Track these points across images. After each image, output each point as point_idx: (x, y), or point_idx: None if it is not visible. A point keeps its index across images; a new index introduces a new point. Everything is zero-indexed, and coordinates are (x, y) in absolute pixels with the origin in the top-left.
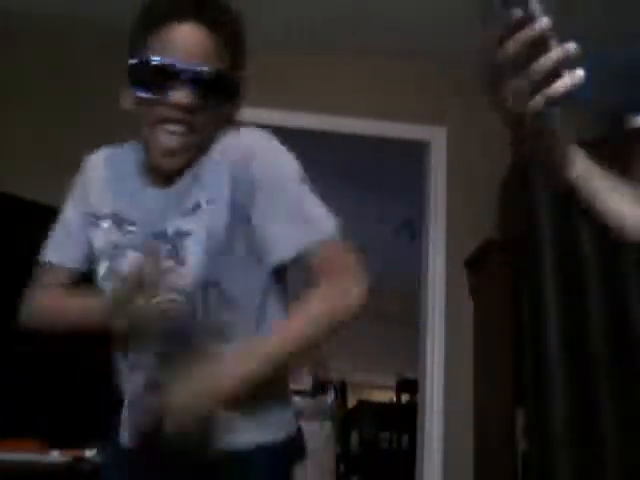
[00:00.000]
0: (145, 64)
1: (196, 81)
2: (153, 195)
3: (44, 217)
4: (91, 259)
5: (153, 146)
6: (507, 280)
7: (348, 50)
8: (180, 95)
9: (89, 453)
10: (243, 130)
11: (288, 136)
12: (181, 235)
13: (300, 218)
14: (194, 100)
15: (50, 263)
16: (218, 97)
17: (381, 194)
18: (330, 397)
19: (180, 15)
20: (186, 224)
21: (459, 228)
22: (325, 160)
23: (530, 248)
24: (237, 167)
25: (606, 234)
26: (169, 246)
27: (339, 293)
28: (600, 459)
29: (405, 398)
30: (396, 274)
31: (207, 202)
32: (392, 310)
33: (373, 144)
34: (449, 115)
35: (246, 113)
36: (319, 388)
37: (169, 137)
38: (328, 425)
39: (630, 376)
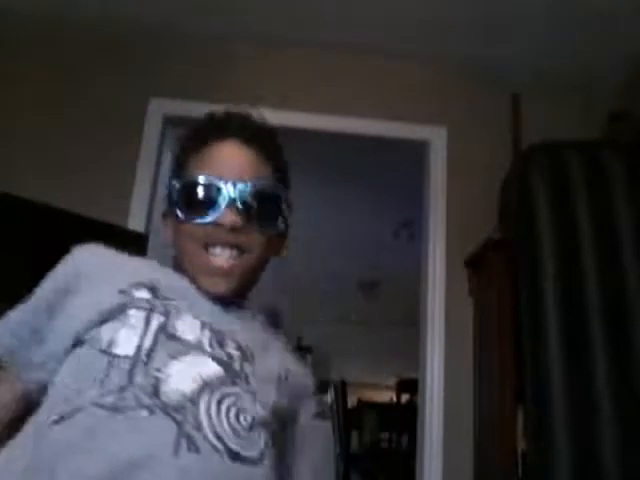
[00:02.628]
0: (188, 186)
1: (241, 198)
2: (207, 302)
3: (44, 217)
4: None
5: (201, 268)
6: (507, 280)
7: (348, 50)
8: (227, 215)
9: None
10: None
11: (288, 136)
12: (245, 353)
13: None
14: (241, 219)
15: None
16: (264, 214)
17: (381, 194)
18: (330, 397)
19: (221, 134)
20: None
21: (459, 228)
22: (324, 160)
23: (530, 248)
24: (296, 371)
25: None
26: (234, 357)
27: None
28: (600, 459)
29: (405, 398)
30: (396, 274)
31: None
32: (392, 310)
33: (373, 144)
34: (449, 115)
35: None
36: (319, 388)
37: (219, 258)
38: (328, 425)
39: (630, 375)
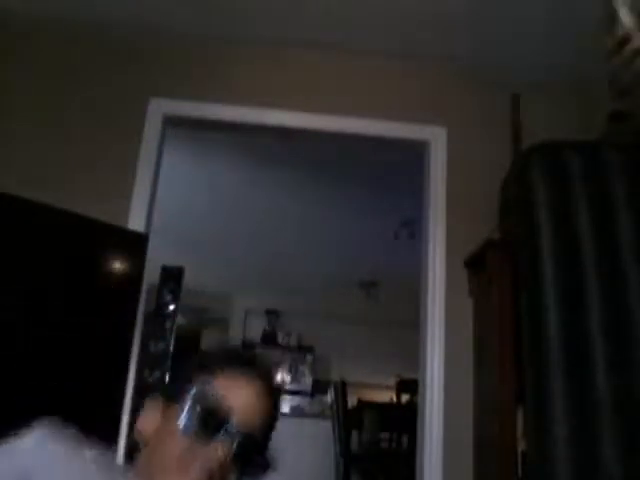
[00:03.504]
0: (208, 397)
1: (240, 443)
2: None
3: (44, 217)
4: None
5: (165, 469)
6: (507, 280)
7: (348, 50)
8: (219, 449)
9: None
10: None
11: (288, 136)
12: None
13: None
14: (229, 461)
15: None
16: (249, 466)
17: (381, 194)
18: (330, 397)
19: (252, 375)
20: None
21: (459, 228)
22: (325, 160)
23: (530, 248)
24: None
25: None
26: None
27: None
28: (600, 459)
29: (405, 398)
30: (396, 274)
31: None
32: (392, 310)
33: (373, 144)
34: (449, 115)
35: (246, 113)
36: (319, 388)
37: (186, 475)
38: (328, 425)
39: (631, 374)
